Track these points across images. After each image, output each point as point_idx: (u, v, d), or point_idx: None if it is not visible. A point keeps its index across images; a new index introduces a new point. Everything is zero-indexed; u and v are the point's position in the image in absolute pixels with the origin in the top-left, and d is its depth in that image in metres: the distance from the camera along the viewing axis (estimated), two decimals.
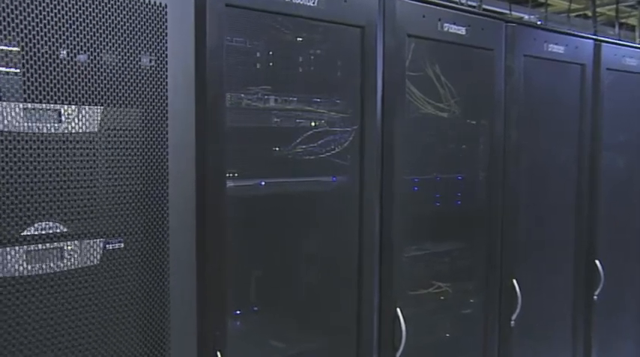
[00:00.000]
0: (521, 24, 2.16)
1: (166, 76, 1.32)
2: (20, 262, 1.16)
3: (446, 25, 1.87)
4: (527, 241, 2.22)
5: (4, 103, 1.13)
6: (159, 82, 1.32)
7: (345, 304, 1.77)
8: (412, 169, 1.97)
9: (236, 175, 1.52)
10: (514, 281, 2.13)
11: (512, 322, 2.13)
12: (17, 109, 1.14)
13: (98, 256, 1.25)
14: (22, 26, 1.13)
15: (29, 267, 1.17)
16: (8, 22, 1.11)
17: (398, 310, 1.82)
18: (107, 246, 1.26)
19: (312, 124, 1.70)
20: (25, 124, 1.15)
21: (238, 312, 1.72)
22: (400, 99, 1.83)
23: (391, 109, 1.80)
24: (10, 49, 1.13)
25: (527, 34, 2.11)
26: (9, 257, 1.14)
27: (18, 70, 1.14)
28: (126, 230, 1.29)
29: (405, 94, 1.87)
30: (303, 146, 1.66)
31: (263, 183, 1.58)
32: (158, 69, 1.31)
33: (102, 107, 1.24)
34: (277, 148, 1.64)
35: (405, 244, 1.92)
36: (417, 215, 1.97)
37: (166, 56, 1.32)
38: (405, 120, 1.86)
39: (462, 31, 1.92)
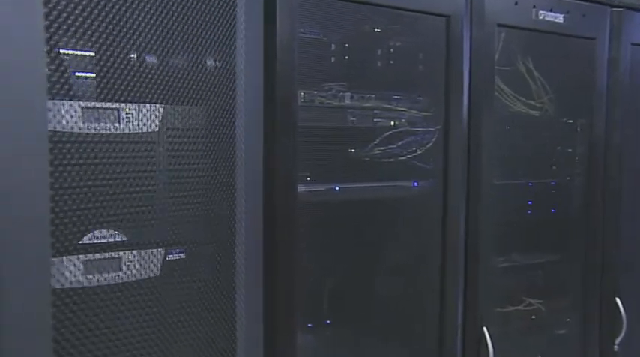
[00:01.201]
0: (630, 8, 1.92)
1: (233, 71, 1.22)
2: (78, 272, 1.08)
3: (541, 12, 1.68)
4: (633, 254, 1.99)
5: (63, 102, 1.05)
6: (225, 79, 1.21)
7: (425, 320, 1.63)
8: (501, 174, 1.79)
9: (308, 179, 1.40)
10: (617, 299, 1.91)
11: (616, 347, 1.90)
12: (76, 109, 1.06)
13: (158, 267, 1.16)
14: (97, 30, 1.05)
15: (87, 278, 1.09)
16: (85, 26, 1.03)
17: (484, 328, 1.66)
18: (168, 256, 1.17)
19: (392, 123, 1.56)
20: (84, 124, 1.07)
21: (310, 325, 1.60)
22: (488, 96, 1.67)
23: (479, 107, 1.64)
24: (86, 53, 1.07)
25: (637, 20, 1.89)
26: (67, 267, 1.07)
27: (93, 74, 1.08)
28: (188, 239, 1.19)
29: (494, 91, 1.70)
30: (382, 148, 1.53)
31: (337, 188, 1.46)
32: (225, 64, 1.21)
33: (163, 106, 1.15)
34: (353, 150, 1.51)
35: (493, 256, 1.75)
36: (506, 224, 1.79)
37: (234, 50, 1.21)
38: (493, 119, 1.69)
39: (560, 18, 1.72)
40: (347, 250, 1.56)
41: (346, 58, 1.51)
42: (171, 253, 1.17)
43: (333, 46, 1.47)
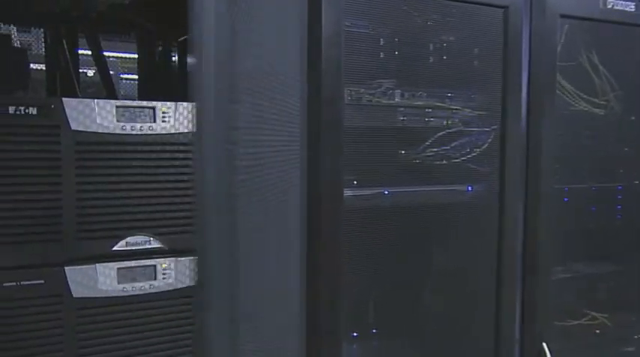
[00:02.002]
0: None
1: (273, 67, 1.14)
2: (110, 280, 1.02)
3: (610, 1, 1.54)
4: None
5: (97, 101, 1.00)
6: (265, 76, 1.13)
7: (480, 334, 1.52)
8: (562, 177, 1.66)
9: (355, 182, 1.31)
10: None
11: None
12: (109, 108, 1.01)
13: (195, 276, 1.09)
14: None
15: (120, 287, 1.03)
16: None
17: (544, 344, 1.53)
18: None
19: (444, 123, 1.46)
20: (118, 123, 1.01)
21: (355, 334, 1.52)
22: (549, 93, 1.55)
23: (539, 105, 1.52)
24: None
25: None
26: (99, 274, 1.01)
27: None
28: None
29: (556, 88, 1.57)
30: (434, 149, 1.42)
31: (387, 192, 1.36)
32: (262, 60, 1.13)
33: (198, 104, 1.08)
34: (404, 152, 1.41)
35: (553, 266, 1.62)
36: (568, 231, 1.66)
37: (274, 43, 1.13)
38: (554, 118, 1.56)
39: (631, 7, 1.58)
40: (395, 257, 1.46)
41: (396, 53, 1.41)
42: None
43: (381, 40, 1.38)
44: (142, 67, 1.82)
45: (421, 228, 1.46)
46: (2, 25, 1.79)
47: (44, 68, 1.79)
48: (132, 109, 1.02)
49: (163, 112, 1.04)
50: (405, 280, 1.51)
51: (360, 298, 1.47)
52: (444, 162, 1.44)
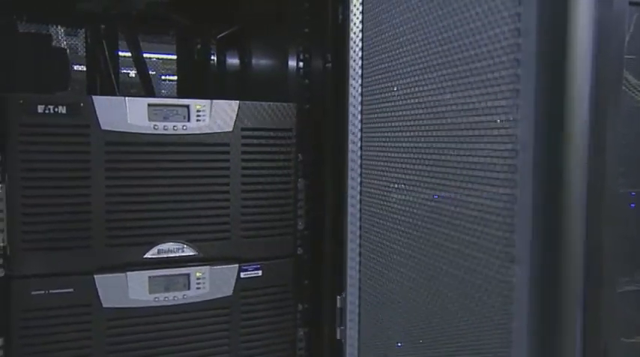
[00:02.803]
0: None
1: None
2: (141, 289, 0.96)
3: None
4: None
5: (128, 99, 0.94)
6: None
7: (538, 351, 1.39)
8: (628, 180, 1.52)
9: (395, 186, 1.21)
10: None
11: None
12: (140, 106, 0.95)
13: (231, 286, 1.02)
14: None
15: (152, 297, 0.97)
16: None
17: None
18: (242, 274, 1.03)
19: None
20: (150, 123, 0.95)
21: (399, 344, 1.42)
22: (615, 89, 1.41)
23: (603, 101, 1.38)
24: None
25: None
26: (130, 283, 0.95)
27: None
28: (265, 254, 1.05)
29: (622, 83, 1.44)
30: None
31: (436, 196, 1.26)
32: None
33: (238, 102, 1.01)
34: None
35: (618, 277, 1.48)
36: (635, 240, 1.52)
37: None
38: (620, 116, 1.43)
39: None
40: (426, 267, 1.35)
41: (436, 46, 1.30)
42: (245, 271, 1.03)
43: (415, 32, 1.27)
44: (180, 65, 1.77)
45: (460, 237, 1.35)
46: (43, 26, 1.77)
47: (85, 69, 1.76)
48: (164, 107, 0.96)
49: (198, 111, 0.97)
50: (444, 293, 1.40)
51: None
52: None
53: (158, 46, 2.23)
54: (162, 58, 2.40)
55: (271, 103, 1.04)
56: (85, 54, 1.74)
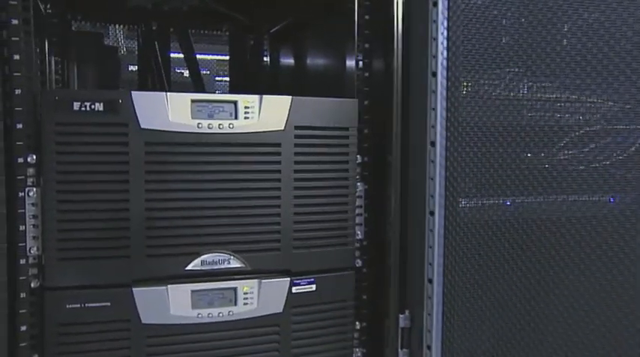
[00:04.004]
0: None
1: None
2: (183, 305, 0.87)
3: None
4: None
5: (169, 95, 0.86)
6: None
7: None
8: None
9: (474, 190, 1.10)
10: None
11: None
12: (183, 102, 0.86)
13: (282, 302, 0.92)
14: None
15: (195, 312, 0.88)
16: None
17: None
18: (293, 288, 0.93)
19: (581, 119, 1.20)
20: (194, 121, 0.86)
21: None
22: None
23: None
24: None
25: None
26: (171, 298, 0.87)
27: None
28: (319, 267, 0.95)
29: None
30: (569, 152, 1.17)
31: (509, 203, 1.13)
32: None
33: (291, 97, 0.91)
34: (530, 155, 1.17)
35: None
36: None
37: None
38: None
39: None
40: (519, 279, 1.23)
41: (522, 36, 1.18)
42: (298, 285, 0.93)
43: (504, 21, 1.15)
44: (233, 62, 1.71)
45: (550, 246, 1.21)
46: (101, 26, 1.74)
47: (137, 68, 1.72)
48: (209, 103, 0.87)
49: (246, 107, 0.88)
50: (530, 308, 1.26)
51: (473, 323, 1.25)
52: (581, 167, 1.19)
53: (213, 47, 2.19)
54: (216, 59, 2.36)
55: (328, 99, 0.94)
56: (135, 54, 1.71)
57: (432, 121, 0.97)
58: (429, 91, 0.96)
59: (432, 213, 0.98)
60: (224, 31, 1.76)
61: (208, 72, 2.39)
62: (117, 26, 1.75)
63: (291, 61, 1.53)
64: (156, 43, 1.59)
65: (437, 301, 0.99)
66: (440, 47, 0.95)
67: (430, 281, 1.00)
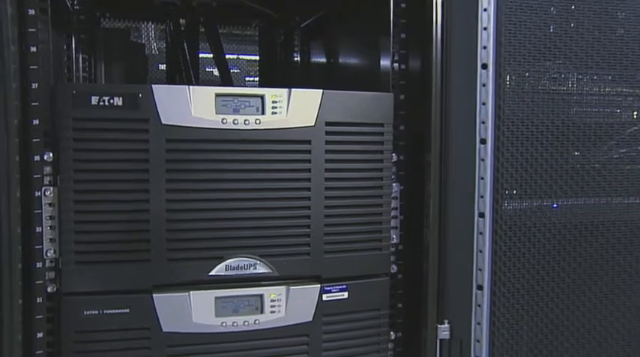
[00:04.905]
0: None
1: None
2: (206, 312, 0.82)
3: None
4: None
5: (192, 88, 0.80)
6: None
7: None
8: None
9: (514, 192, 1.02)
10: None
11: None
12: (207, 96, 0.81)
13: (311, 310, 0.86)
14: None
15: (219, 321, 0.83)
16: None
17: None
18: (324, 295, 0.87)
19: (635, 115, 1.12)
20: (218, 116, 0.81)
21: None
22: None
23: None
24: None
25: None
26: (193, 305, 0.82)
27: None
28: (352, 273, 0.89)
29: None
30: (622, 150, 1.09)
31: (556, 205, 1.06)
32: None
33: (322, 91, 0.85)
34: (578, 153, 1.09)
35: None
36: None
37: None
38: None
39: None
40: (564, 288, 1.14)
41: (570, 26, 1.10)
42: (328, 292, 0.87)
43: (552, 8, 1.07)
44: (263, 57, 1.66)
45: (598, 252, 1.13)
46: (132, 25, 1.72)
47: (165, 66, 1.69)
48: (235, 97, 0.81)
49: (274, 101, 0.82)
50: (576, 320, 1.18)
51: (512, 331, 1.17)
52: (638, 166, 1.11)
53: (244, 48, 2.16)
54: (247, 59, 2.33)
55: (361, 93, 0.88)
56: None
57: (483, 117, 0.90)
58: (478, 85, 0.90)
59: (481, 215, 0.91)
60: (254, 27, 1.72)
61: (238, 71, 2.36)
62: (148, 24, 1.72)
63: (322, 56, 1.47)
64: (184, 40, 1.55)
65: (486, 309, 0.92)
66: (491, 38, 0.89)
67: (480, 288, 0.93)
